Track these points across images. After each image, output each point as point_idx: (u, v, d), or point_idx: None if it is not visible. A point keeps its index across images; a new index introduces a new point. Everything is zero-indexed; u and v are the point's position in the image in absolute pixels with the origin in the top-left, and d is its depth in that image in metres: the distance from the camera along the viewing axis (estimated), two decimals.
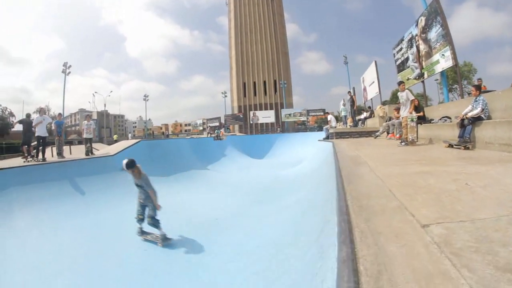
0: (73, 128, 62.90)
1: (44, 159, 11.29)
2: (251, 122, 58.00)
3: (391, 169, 4.66)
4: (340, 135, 16.24)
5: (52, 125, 12.73)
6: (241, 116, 63.65)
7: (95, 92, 79.76)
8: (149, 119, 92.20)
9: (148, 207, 7.05)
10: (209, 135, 33.18)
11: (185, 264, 5.88)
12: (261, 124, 60.08)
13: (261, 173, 18.68)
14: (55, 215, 8.59)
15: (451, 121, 10.06)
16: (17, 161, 11.90)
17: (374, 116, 19.35)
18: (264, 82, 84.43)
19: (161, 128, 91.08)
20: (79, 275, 5.63)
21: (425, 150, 7.82)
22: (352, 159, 6.49)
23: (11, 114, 40.55)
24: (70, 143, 28.70)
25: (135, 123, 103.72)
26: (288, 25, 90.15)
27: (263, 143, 32.87)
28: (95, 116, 56.08)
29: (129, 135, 55.21)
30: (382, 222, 2.26)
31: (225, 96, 62.78)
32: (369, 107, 23.86)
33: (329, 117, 20.66)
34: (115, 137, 50.29)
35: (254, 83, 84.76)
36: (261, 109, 76.47)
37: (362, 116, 21.36)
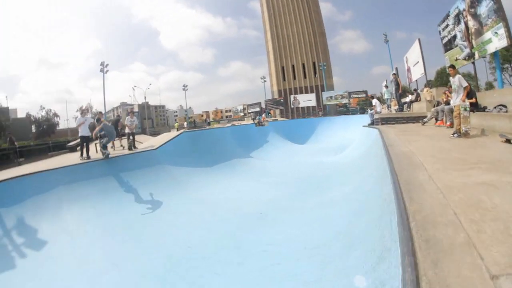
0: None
1: (88, 157, 11.60)
2: (292, 106, 57.12)
3: (451, 176, 4.11)
4: (386, 120, 15.31)
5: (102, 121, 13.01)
6: (281, 100, 62.90)
7: (135, 86, 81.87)
8: (190, 107, 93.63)
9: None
10: (254, 120, 32.63)
11: (233, 265, 5.61)
12: (302, 108, 59.05)
13: (304, 160, 18.41)
14: (101, 211, 8.73)
15: (506, 111, 9.02)
16: (62, 161, 12.23)
17: (420, 100, 18.00)
18: (303, 65, 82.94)
19: (202, 116, 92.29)
20: (125, 272, 5.59)
21: (481, 146, 6.98)
22: (406, 157, 5.87)
23: (55, 115, 43.56)
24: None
25: (176, 112, 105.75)
26: (321, 3, 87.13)
27: (305, 127, 32.24)
28: (136, 109, 57.73)
29: (185, 123, 54.96)
30: (451, 268, 1.89)
31: (264, 81, 62.14)
32: (415, 90, 22.11)
33: (374, 101, 19.61)
34: (176, 125, 51.49)
35: (293, 66, 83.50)
36: (301, 92, 75.39)
37: (407, 99, 19.95)
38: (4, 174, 9.99)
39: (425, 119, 12.59)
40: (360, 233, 5.06)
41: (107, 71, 41.50)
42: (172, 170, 12.68)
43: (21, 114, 42.78)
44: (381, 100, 28.02)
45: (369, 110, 21.65)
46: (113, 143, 14.78)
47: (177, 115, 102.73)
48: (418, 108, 17.16)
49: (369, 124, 17.19)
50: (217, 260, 5.81)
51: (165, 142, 15.01)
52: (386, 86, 20.87)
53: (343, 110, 48.67)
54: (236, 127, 27.72)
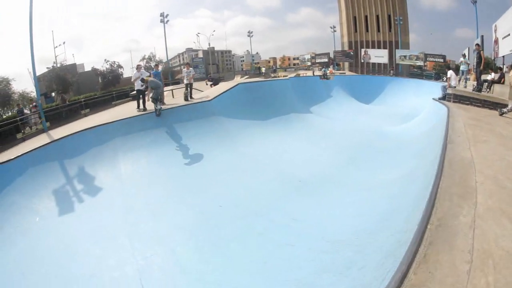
0: (180, 68, 67.46)
1: (145, 108, 12.58)
2: (362, 61, 53.54)
3: None
4: (459, 99, 13.41)
5: (151, 75, 13.54)
6: (351, 53, 59.31)
7: (199, 33, 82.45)
8: (257, 53, 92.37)
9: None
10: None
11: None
12: (373, 64, 54.77)
13: (366, 123, 17.71)
14: (151, 161, 9.44)
15: None
16: (122, 112, 13.11)
17: (503, 82, 15.31)
18: (377, 17, 75.96)
19: (269, 62, 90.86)
20: (160, 223, 6.08)
21: None
22: (462, 170, 4.63)
23: (119, 66, 46.96)
24: (177, 83, 30.74)
25: (243, 57, 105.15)
26: None
27: (374, 86, 30.23)
28: (201, 55, 58.53)
29: (263, 69, 54.29)
30: None
31: (334, 31, 59.03)
32: (500, 68, 18.57)
33: (449, 73, 16.85)
34: (263, 69, 51.50)
35: (366, 17, 76.99)
36: (373, 47, 69.92)
37: (488, 77, 17.03)
38: (69, 129, 11.77)
39: (505, 109, 10.47)
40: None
41: (167, 21, 44.05)
42: (225, 122, 13.06)
43: (88, 68, 46.35)
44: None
45: (445, 79, 19.08)
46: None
47: (243, 61, 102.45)
48: (499, 92, 14.50)
49: (439, 98, 15.50)
50: (240, 226, 6.26)
51: (221, 93, 15.24)
52: (464, 56, 18.23)
53: (417, 72, 44.18)
54: (298, 79, 27.09)
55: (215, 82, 25.18)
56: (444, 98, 14.66)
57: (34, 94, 31.84)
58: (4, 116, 25.08)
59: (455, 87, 15.53)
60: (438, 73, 38.44)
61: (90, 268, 5.56)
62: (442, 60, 45.94)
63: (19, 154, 9.58)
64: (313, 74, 33.24)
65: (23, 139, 14.65)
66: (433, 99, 15.31)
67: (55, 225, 7.25)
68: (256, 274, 4.75)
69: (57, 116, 20.21)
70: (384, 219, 5.07)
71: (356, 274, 3.72)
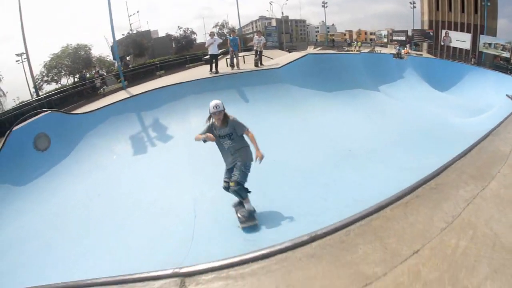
0: (253, 35, 68.47)
1: (217, 71, 13.73)
2: (442, 43, 48.95)
3: None
4: None
5: (228, 41, 14.39)
6: (431, 33, 54.43)
7: (272, 2, 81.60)
8: (333, 24, 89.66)
9: (235, 167, 5.33)
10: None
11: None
12: (453, 48, 49.41)
13: (434, 112, 16.67)
14: None
15: None
16: (194, 74, 13.98)
17: None
18: None
19: (344, 35, 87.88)
20: (219, 168, 6.81)
21: None
22: (486, 159, 4.33)
23: (193, 32, 48.66)
24: (249, 50, 31.47)
25: (318, 28, 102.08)
26: None
27: (451, 73, 27.69)
28: (274, 23, 58.27)
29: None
30: None
31: (414, 7, 55.55)
32: None
33: None
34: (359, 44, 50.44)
35: None
36: (455, 29, 62.46)
37: None
38: (145, 87, 13.56)
39: None
40: None
41: None
42: (291, 89, 13.46)
43: (161, 34, 48.30)
44: None
45: None
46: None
47: (318, 31, 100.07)
48: None
49: None
50: (285, 180, 7.11)
51: (290, 62, 15.55)
52: None
53: (503, 65, 38.05)
54: (370, 55, 26.41)
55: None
56: None
57: (110, 57, 35.51)
58: (88, 75, 28.00)
59: None
60: None
61: (154, 195, 6.97)
62: None
63: (102, 106, 11.07)
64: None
65: (104, 95, 16.15)
66: (507, 95, 14.04)
67: (129, 163, 8.90)
68: (290, 215, 5.51)
69: (135, 76, 21.85)
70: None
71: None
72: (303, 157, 8.31)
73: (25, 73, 32.93)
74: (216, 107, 4.97)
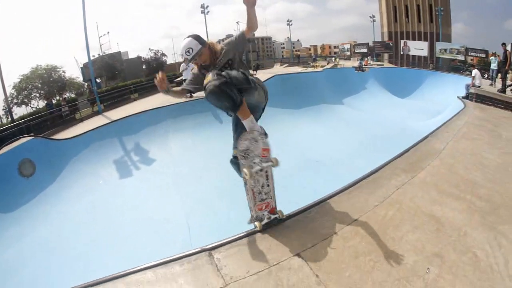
0: None
1: (191, 95, 13.96)
2: (402, 53, 51.63)
3: None
4: (482, 98, 13.44)
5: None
6: (391, 44, 57.13)
7: (238, 22, 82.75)
8: (298, 40, 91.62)
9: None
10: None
11: None
12: (413, 56, 52.30)
13: (392, 117, 18.07)
14: (196, 141, 11.05)
15: None
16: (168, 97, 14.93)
17: None
18: (418, 6, 72.68)
19: (309, 50, 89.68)
20: (202, 184, 7.63)
21: None
22: (420, 156, 5.68)
23: (163, 54, 49.80)
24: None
25: (283, 44, 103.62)
26: None
27: (411, 79, 29.49)
28: None
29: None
30: None
31: (374, 21, 58.02)
32: None
33: (474, 72, 16.46)
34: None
35: (406, 6, 73.95)
36: (413, 38, 65.92)
37: None
38: (122, 111, 14.58)
39: None
40: None
41: (208, 12, 44.42)
42: (270, 111, 14.03)
43: (131, 55, 48.60)
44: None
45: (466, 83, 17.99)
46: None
47: (284, 47, 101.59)
48: None
49: (463, 97, 15.29)
50: None
51: None
52: (494, 54, 17.80)
53: (459, 67, 40.49)
54: (333, 71, 27.75)
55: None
56: (467, 97, 14.66)
57: (80, 79, 36.16)
58: (55, 102, 28.00)
59: (479, 86, 15.21)
60: (480, 69, 35.61)
61: (148, 214, 7.63)
62: (484, 56, 43.03)
63: (84, 131, 11.87)
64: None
65: (81, 120, 16.48)
66: (458, 97, 15.33)
67: (116, 186, 9.50)
68: None
69: (109, 99, 22.15)
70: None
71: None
72: (277, 170, 8.97)
73: None
74: (188, 52, 3.39)
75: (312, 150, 11.23)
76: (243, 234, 3.41)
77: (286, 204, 5.98)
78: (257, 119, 3.72)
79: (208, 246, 3.21)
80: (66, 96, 30.43)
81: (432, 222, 3.49)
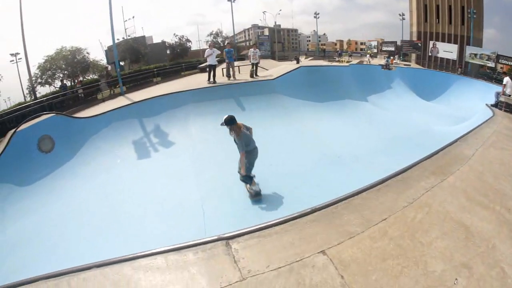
0: (246, 44, 68.46)
1: (214, 81, 14.47)
2: (430, 54, 49.98)
3: None
4: (511, 109, 12.74)
5: (224, 53, 15.12)
6: (419, 44, 55.60)
7: (265, 12, 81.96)
8: (324, 34, 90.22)
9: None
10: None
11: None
12: (441, 58, 50.47)
13: (419, 120, 17.42)
14: (217, 126, 10.77)
15: None
16: (191, 82, 14.51)
17: None
18: (449, 7, 70.04)
19: (335, 44, 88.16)
20: (221, 169, 7.33)
21: None
22: (449, 160, 5.45)
23: (188, 40, 49.51)
24: (241, 59, 31.85)
25: (309, 37, 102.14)
26: None
27: (438, 82, 28.49)
28: (267, 32, 58.88)
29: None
30: None
31: (403, 19, 56.56)
32: None
33: (505, 80, 15.00)
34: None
35: (438, 6, 71.34)
36: (443, 40, 63.58)
37: None
38: (144, 94, 14.32)
39: None
40: None
41: (234, 0, 44.16)
42: (284, 99, 14.19)
43: (156, 40, 48.87)
44: None
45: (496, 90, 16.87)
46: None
47: (309, 41, 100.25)
48: None
49: (492, 105, 14.50)
50: (279, 181, 7.67)
51: (283, 74, 16.27)
52: None
53: (489, 74, 39.26)
54: (359, 67, 27.13)
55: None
56: (496, 105, 13.94)
57: (103, 62, 36.61)
58: (69, 85, 28.50)
59: (510, 95, 14.44)
60: None
61: (163, 195, 7.48)
62: None
63: (106, 111, 11.61)
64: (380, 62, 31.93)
65: (103, 100, 16.47)
66: (486, 104, 14.65)
67: (133, 166, 9.35)
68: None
69: (132, 82, 22.17)
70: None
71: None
72: (296, 162, 8.96)
73: (19, 73, 32.87)
74: (222, 124, 6.54)
75: (334, 144, 10.84)
76: (264, 224, 3.23)
77: (306, 198, 5.73)
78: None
79: (226, 234, 3.03)
80: (81, 79, 30.46)
81: (461, 230, 3.34)
